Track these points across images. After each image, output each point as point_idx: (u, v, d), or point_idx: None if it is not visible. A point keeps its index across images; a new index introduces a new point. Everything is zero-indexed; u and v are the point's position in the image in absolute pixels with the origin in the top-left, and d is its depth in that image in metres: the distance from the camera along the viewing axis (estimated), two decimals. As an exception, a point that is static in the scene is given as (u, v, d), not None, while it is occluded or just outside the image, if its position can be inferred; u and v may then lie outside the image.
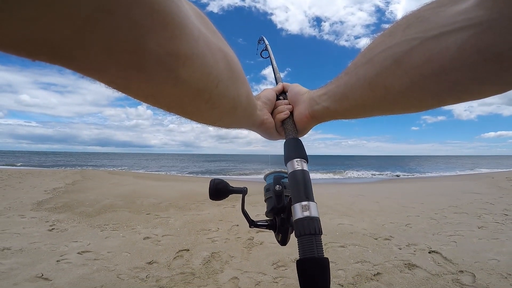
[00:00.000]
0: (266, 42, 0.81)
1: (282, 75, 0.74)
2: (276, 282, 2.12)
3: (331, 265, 1.93)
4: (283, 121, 0.55)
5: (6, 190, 5.48)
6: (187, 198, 5.49)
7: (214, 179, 0.54)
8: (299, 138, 0.52)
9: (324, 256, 0.35)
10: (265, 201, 0.55)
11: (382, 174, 16.69)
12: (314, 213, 0.37)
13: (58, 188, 6.13)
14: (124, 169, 16.20)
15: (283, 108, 0.56)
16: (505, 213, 4.25)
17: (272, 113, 0.57)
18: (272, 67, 0.73)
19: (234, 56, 0.33)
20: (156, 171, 18.06)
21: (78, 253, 2.62)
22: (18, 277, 2.07)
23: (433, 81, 0.29)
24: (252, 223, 0.53)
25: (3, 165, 18.60)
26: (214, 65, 0.27)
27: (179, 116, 0.32)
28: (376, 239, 3.15)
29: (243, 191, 0.54)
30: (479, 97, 0.30)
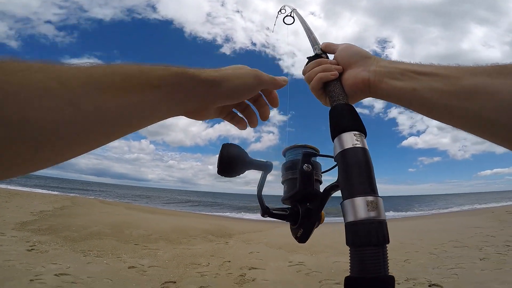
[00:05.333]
0: (292, 7, 0.73)
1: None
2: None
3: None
4: (326, 83, 0.45)
5: (-8, 208, 5.25)
6: (179, 232, 5.21)
7: (228, 143, 0.40)
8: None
9: (390, 274, 0.26)
10: (283, 183, 0.43)
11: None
12: (383, 214, 0.28)
13: (45, 211, 5.88)
14: (117, 200, 15.67)
15: (330, 67, 0.46)
16: (508, 244, 4.09)
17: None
18: (305, 31, 0.63)
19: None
20: (148, 203, 17.44)
21: (55, 275, 2.41)
22: (-15, 293, 1.88)
23: None
24: (266, 211, 0.40)
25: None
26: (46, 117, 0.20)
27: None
28: (373, 275, 2.97)
29: (266, 166, 0.41)
30: None
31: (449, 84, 0.34)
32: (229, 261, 3.39)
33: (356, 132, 0.33)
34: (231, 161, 0.39)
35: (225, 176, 0.40)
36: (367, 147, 0.32)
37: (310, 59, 0.51)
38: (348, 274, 0.26)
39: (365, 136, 0.34)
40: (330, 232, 6.71)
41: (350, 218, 0.28)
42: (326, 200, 0.38)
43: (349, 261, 0.27)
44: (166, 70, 0.30)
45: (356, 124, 0.34)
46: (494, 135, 0.33)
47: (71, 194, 13.11)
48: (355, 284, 0.26)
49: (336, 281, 2.81)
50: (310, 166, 0.39)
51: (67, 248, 3.35)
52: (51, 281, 2.25)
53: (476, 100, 0.32)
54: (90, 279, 2.43)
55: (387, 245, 0.26)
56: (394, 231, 6.27)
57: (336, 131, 0.35)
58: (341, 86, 0.44)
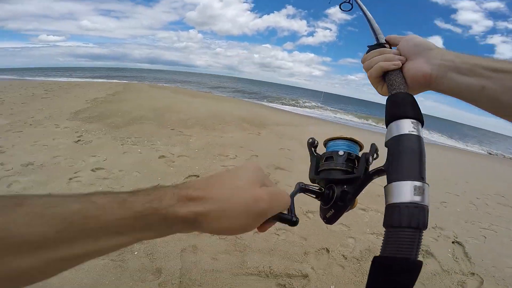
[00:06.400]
0: None
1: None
2: (277, 234, 1.79)
3: (344, 228, 1.01)
4: (386, 72, 0.45)
5: (53, 100, 5.87)
6: (215, 118, 5.24)
7: None
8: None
9: (419, 259, 0.25)
10: (320, 171, 0.42)
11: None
12: (426, 200, 0.27)
13: (98, 98, 6.39)
14: (166, 85, 16.57)
15: (392, 57, 0.46)
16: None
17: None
18: (368, 21, 0.62)
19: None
20: (194, 88, 18.10)
21: (92, 170, 2.61)
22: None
23: None
24: (302, 186, 0.40)
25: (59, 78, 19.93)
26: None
27: None
28: (403, 210, 2.58)
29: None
30: None
31: None
32: (257, 156, 3.28)
33: (414, 120, 0.34)
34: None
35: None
36: (422, 137, 0.33)
37: (371, 47, 0.53)
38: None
39: (422, 126, 0.35)
40: (373, 141, 5.99)
41: (394, 200, 0.28)
42: (365, 185, 0.38)
43: (382, 243, 0.27)
44: (127, 210, 0.24)
45: (416, 113, 0.35)
46: None
47: (126, 81, 14.12)
48: (384, 263, 0.25)
49: (363, 206, 2.46)
50: (370, 157, 0.39)
51: (109, 137, 3.62)
52: (87, 178, 2.44)
53: None
54: (120, 173, 2.59)
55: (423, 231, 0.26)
56: (442, 163, 5.30)
57: (393, 117, 0.35)
58: (402, 76, 0.44)
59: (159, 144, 3.52)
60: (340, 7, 0.74)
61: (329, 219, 0.40)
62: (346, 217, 2.19)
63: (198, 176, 2.65)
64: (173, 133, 4.04)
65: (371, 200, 2.59)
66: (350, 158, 0.41)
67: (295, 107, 14.77)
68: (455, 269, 1.85)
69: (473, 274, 1.83)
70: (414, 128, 0.33)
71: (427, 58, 0.43)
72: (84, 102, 5.77)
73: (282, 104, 15.39)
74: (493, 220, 2.87)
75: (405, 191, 0.27)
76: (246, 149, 3.51)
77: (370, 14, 0.64)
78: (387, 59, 0.46)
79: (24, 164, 2.62)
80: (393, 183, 0.29)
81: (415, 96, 0.42)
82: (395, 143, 0.33)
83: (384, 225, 0.27)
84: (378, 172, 0.35)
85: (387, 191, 0.29)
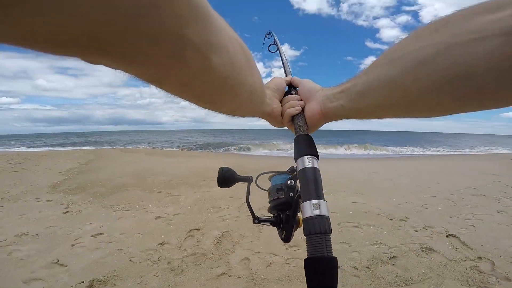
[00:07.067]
0: (275, 36, 0.81)
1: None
2: (288, 263, 2.07)
3: (345, 245, 1.81)
4: (293, 117, 0.55)
5: (23, 174, 5.63)
6: (198, 175, 5.49)
7: (222, 167, 0.56)
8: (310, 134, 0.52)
9: (333, 256, 0.35)
10: (270, 202, 0.55)
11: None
12: (324, 211, 0.37)
13: (72, 168, 6.27)
14: (136, 146, 16.50)
15: (295, 104, 0.56)
16: (527, 198, 3.98)
17: (281, 104, 0.60)
18: (282, 60, 0.73)
19: (246, 46, 0.35)
20: (166, 146, 18.33)
21: (92, 236, 2.66)
22: (35, 264, 2.11)
23: (456, 85, 0.29)
24: (256, 218, 0.54)
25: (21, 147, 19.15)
26: (235, 54, 0.29)
27: (204, 107, 0.35)
28: (391, 219, 3.04)
29: (248, 180, 0.56)
30: (502, 105, 0.30)
31: (351, 93, 0.44)
32: (247, 203, 3.60)
33: (310, 156, 0.44)
34: (224, 179, 0.55)
35: (223, 187, 0.57)
36: (317, 167, 0.43)
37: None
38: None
39: (317, 159, 0.45)
40: (345, 169, 6.82)
41: (305, 215, 0.38)
42: (298, 207, 0.48)
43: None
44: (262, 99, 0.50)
45: (310, 151, 0.46)
46: (394, 114, 0.41)
47: (94, 148, 13.84)
48: (308, 263, 0.35)
49: (355, 223, 2.90)
50: (293, 181, 0.51)
51: (98, 205, 3.64)
52: (90, 244, 2.49)
53: (367, 98, 0.41)
54: (122, 236, 2.67)
55: (330, 234, 0.36)
56: (410, 172, 6.17)
57: (298, 154, 0.46)
58: (303, 118, 0.54)
59: (151, 207, 3.63)
60: (268, 49, 0.80)
61: (285, 239, 0.51)
62: (344, 236, 2.55)
63: (200, 229, 2.84)
64: (162, 195, 4.17)
65: (361, 217, 3.02)
66: (282, 188, 0.52)
67: (269, 150, 15.72)
68: (461, 257, 2.14)
69: (480, 258, 2.13)
70: (310, 162, 0.43)
71: (317, 99, 0.52)
72: (59, 174, 5.63)
73: (259, 149, 16.29)
74: (474, 211, 3.29)
75: (308, 208, 0.37)
76: (236, 198, 3.80)
77: (285, 57, 0.73)
78: (291, 106, 0.55)
79: (17, 235, 2.59)
80: (302, 203, 0.39)
81: (320, 128, 0.57)
82: (301, 175, 0.43)
83: (304, 234, 0.37)
84: (299, 196, 0.43)
85: (301, 209, 0.39)
